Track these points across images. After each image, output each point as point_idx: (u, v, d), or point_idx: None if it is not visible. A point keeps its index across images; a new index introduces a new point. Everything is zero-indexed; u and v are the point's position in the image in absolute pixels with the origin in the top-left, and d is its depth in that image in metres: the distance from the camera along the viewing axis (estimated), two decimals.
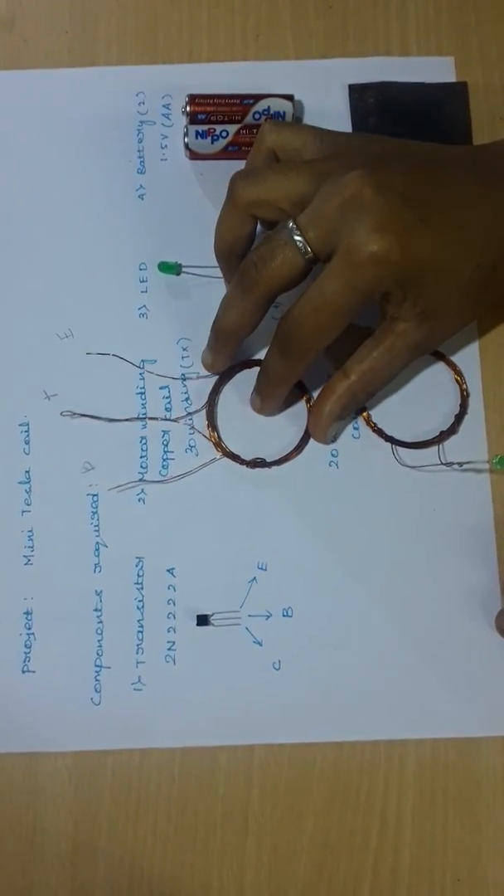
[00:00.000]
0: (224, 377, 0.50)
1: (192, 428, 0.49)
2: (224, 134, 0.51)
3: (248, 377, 0.50)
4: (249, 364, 0.50)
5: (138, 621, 0.48)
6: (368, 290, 0.42)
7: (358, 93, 0.53)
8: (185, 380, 0.50)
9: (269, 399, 0.48)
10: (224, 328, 0.46)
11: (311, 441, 0.49)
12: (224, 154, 0.51)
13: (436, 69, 0.54)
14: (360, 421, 0.50)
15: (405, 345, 0.45)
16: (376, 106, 0.53)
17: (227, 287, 0.47)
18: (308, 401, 0.50)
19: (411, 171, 0.43)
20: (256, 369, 0.49)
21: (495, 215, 0.43)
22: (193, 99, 0.51)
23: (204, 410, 0.49)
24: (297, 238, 0.42)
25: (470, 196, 0.43)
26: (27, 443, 0.49)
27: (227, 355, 0.48)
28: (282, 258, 0.43)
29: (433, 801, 0.46)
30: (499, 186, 0.44)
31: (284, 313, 0.44)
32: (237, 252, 0.47)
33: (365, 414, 0.49)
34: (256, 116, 0.51)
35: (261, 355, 0.50)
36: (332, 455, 0.49)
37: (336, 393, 0.47)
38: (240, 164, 0.51)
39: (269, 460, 0.49)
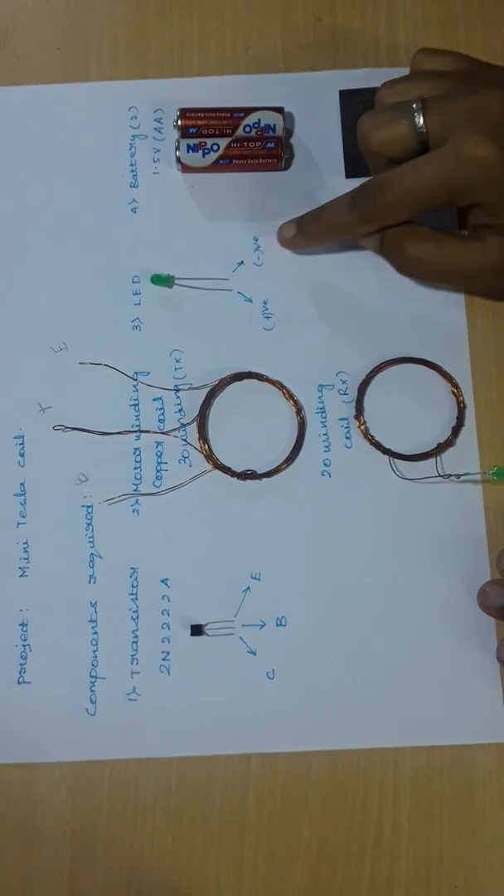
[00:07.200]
0: (215, 390, 0.50)
1: (185, 441, 0.50)
2: (215, 147, 0.51)
3: (238, 390, 0.50)
4: (241, 377, 0.50)
5: (133, 632, 0.48)
6: (458, 189, 0.44)
7: (348, 98, 0.53)
8: (178, 391, 0.50)
9: (305, 237, 0.50)
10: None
11: (303, 452, 0.49)
12: (215, 167, 0.52)
13: None
14: (355, 431, 0.50)
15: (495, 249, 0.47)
16: (366, 112, 0.53)
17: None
18: (298, 411, 0.50)
19: None
20: (247, 382, 0.50)
21: None
22: (185, 113, 0.51)
23: (195, 423, 0.50)
24: (418, 116, 0.45)
25: None
26: (22, 455, 0.50)
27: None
28: (395, 127, 0.45)
29: (429, 809, 0.47)
30: None
31: (377, 176, 0.46)
32: None
33: (362, 427, 0.50)
34: (247, 130, 0.51)
35: (252, 367, 0.50)
36: (325, 464, 0.50)
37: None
38: (231, 177, 0.52)
39: (259, 472, 0.49)
